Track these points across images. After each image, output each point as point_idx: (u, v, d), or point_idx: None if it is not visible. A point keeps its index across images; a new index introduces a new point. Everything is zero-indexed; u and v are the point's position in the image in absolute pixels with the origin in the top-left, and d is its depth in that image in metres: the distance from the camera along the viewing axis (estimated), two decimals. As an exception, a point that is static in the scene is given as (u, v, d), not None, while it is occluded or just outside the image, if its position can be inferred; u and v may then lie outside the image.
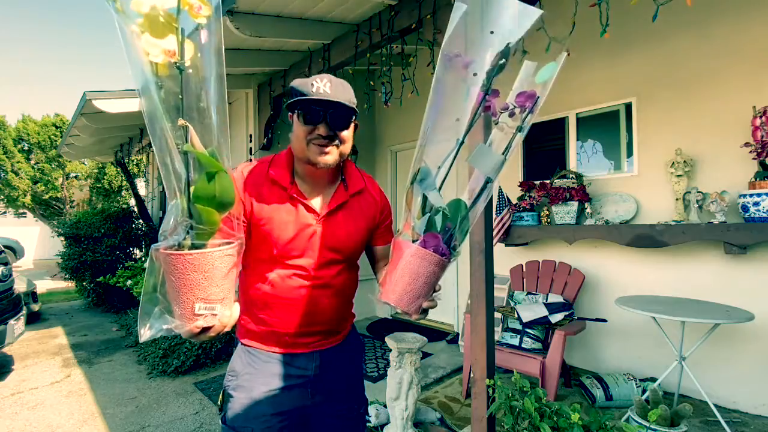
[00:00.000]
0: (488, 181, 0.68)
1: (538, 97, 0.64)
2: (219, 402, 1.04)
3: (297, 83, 0.92)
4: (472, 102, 0.66)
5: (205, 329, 0.65)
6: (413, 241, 0.72)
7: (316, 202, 0.99)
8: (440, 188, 0.71)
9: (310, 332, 1.02)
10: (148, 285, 0.63)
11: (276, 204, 0.96)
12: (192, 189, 0.61)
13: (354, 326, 1.18)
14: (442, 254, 0.70)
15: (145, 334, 0.63)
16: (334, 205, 1.00)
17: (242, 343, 1.04)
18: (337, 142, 0.93)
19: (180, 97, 0.58)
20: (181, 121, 0.59)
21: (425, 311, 0.77)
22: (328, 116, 0.90)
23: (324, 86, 0.89)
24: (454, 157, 0.70)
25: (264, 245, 0.96)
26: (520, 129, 0.65)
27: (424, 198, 0.71)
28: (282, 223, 0.95)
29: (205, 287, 0.62)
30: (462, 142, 0.69)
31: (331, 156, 0.93)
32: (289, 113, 0.96)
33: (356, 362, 1.16)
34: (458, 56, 0.65)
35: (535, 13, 0.61)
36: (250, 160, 3.92)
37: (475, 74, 0.65)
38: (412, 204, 0.74)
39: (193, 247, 0.62)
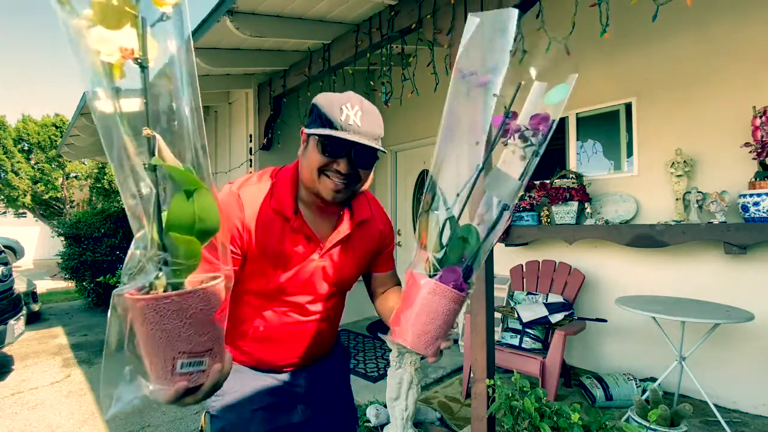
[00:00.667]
0: (505, 207, 0.63)
1: (553, 121, 0.60)
2: (200, 427, 0.95)
3: (323, 103, 0.80)
4: (492, 124, 0.62)
5: (192, 390, 0.51)
6: (430, 276, 0.66)
7: (320, 233, 0.90)
8: (459, 217, 0.65)
9: (300, 358, 0.97)
10: (110, 341, 0.49)
11: (277, 236, 0.85)
12: (164, 214, 0.48)
13: (339, 335, 1.13)
14: (460, 289, 0.65)
15: (113, 408, 0.48)
16: (339, 237, 0.92)
17: None
18: (356, 180, 0.84)
19: (144, 101, 0.47)
20: (146, 131, 0.47)
21: (441, 352, 0.69)
22: (353, 153, 0.79)
23: (355, 116, 0.78)
24: (473, 184, 0.63)
25: (259, 279, 0.87)
26: (536, 153, 0.61)
27: (442, 228, 0.65)
28: (283, 258, 0.86)
29: (187, 338, 0.49)
30: (483, 168, 0.63)
31: (343, 195, 0.84)
32: (303, 128, 0.85)
33: (343, 371, 1.12)
34: (473, 74, 0.60)
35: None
36: (250, 161, 3.94)
37: (495, 95, 0.60)
38: (427, 234, 0.67)
39: (170, 287, 0.50)
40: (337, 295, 0.98)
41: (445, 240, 0.65)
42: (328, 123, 0.78)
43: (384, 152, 0.83)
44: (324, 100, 0.81)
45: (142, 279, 0.49)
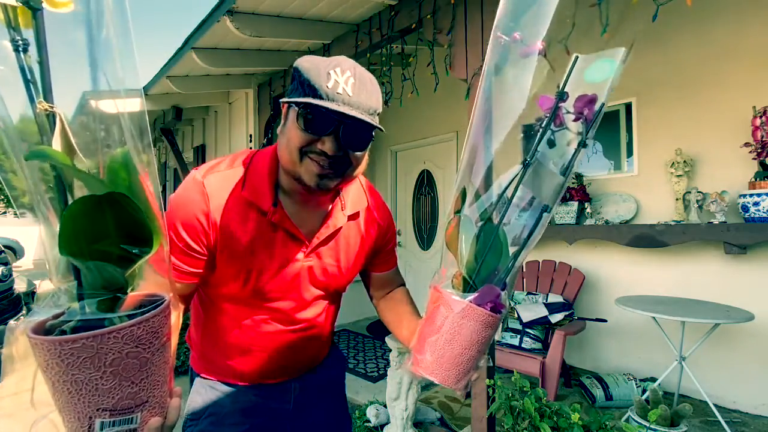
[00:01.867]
0: (545, 209, 0.51)
1: (603, 103, 0.48)
2: None
3: (307, 67, 0.62)
4: (541, 107, 0.50)
5: None
6: (463, 293, 0.54)
7: (306, 228, 0.75)
8: (499, 223, 0.53)
9: (286, 372, 0.85)
10: (8, 387, 0.40)
11: (252, 232, 0.70)
12: (66, 223, 0.35)
13: (334, 342, 1.00)
14: (497, 311, 0.54)
15: None
16: (329, 232, 0.76)
17: (201, 377, 0.83)
18: (345, 164, 0.67)
19: (38, 60, 0.34)
20: (42, 105, 0.34)
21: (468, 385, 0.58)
22: (341, 130, 0.62)
23: (346, 83, 0.60)
24: (521, 179, 0.51)
25: (233, 283, 0.73)
26: (583, 144, 0.49)
27: (478, 234, 0.53)
28: (259, 257, 0.71)
29: (108, 391, 0.37)
30: (530, 163, 0.51)
31: (329, 181, 0.66)
32: (282, 102, 0.67)
33: (337, 382, 0.98)
34: (517, 40, 0.48)
35: None
36: None
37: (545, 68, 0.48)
38: (459, 241, 0.54)
39: (85, 324, 0.37)
40: (327, 300, 0.84)
41: (477, 251, 0.54)
42: (312, 91, 0.60)
43: (381, 130, 0.65)
44: (308, 63, 0.63)
45: (51, 311, 0.38)
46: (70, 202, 0.35)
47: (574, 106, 0.49)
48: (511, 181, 0.52)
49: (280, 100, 0.67)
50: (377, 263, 0.90)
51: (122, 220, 0.36)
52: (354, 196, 0.81)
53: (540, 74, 0.48)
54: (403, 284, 0.95)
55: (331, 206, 0.77)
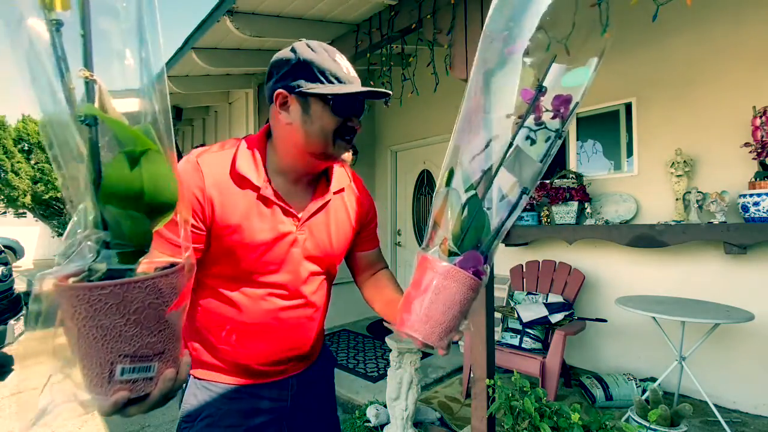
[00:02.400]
0: (524, 191, 0.58)
1: (576, 103, 0.56)
2: None
3: (315, 58, 0.71)
4: (522, 98, 0.57)
5: (136, 400, 0.42)
6: (449, 257, 0.59)
7: (296, 203, 0.80)
8: (483, 197, 0.59)
9: (285, 359, 0.84)
10: (33, 337, 0.41)
11: (245, 207, 0.74)
12: (104, 180, 0.39)
13: (326, 343, 1.02)
14: (479, 276, 0.59)
15: (37, 420, 0.40)
16: (318, 206, 0.82)
17: (194, 377, 0.81)
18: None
19: (81, 32, 0.37)
20: (83, 72, 0.37)
21: (450, 345, 0.62)
22: (361, 106, 0.75)
23: (349, 67, 0.74)
24: (501, 162, 0.58)
25: (228, 259, 0.75)
26: (559, 135, 0.57)
27: (462, 208, 0.59)
28: (254, 230, 0.75)
29: (131, 338, 0.40)
30: (512, 146, 0.58)
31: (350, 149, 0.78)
32: (290, 95, 0.73)
33: (329, 381, 1.00)
34: (503, 40, 0.55)
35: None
36: None
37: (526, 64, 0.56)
38: (443, 213, 0.60)
39: (110, 275, 0.40)
40: (321, 278, 0.86)
41: (462, 221, 0.59)
42: (336, 79, 0.71)
43: (389, 94, 0.76)
44: (314, 54, 0.71)
45: (78, 262, 0.40)
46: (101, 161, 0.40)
47: (552, 104, 0.57)
48: (497, 159, 0.58)
49: (302, 90, 0.71)
50: (361, 241, 0.95)
51: (153, 177, 0.40)
52: (337, 174, 0.89)
53: (523, 70, 0.55)
54: (387, 267, 1.00)
55: (317, 183, 0.85)
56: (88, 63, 0.38)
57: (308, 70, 0.71)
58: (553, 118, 0.57)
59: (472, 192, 0.58)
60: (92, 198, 0.39)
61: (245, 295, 0.78)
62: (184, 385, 0.81)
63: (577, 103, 0.56)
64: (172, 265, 0.45)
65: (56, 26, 0.37)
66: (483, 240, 0.59)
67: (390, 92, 0.75)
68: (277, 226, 0.77)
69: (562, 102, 0.56)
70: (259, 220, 0.75)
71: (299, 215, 0.80)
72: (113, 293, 0.39)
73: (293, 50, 0.73)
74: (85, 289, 0.38)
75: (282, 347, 0.82)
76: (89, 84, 0.38)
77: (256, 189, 0.76)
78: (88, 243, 0.40)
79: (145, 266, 0.44)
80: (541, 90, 0.56)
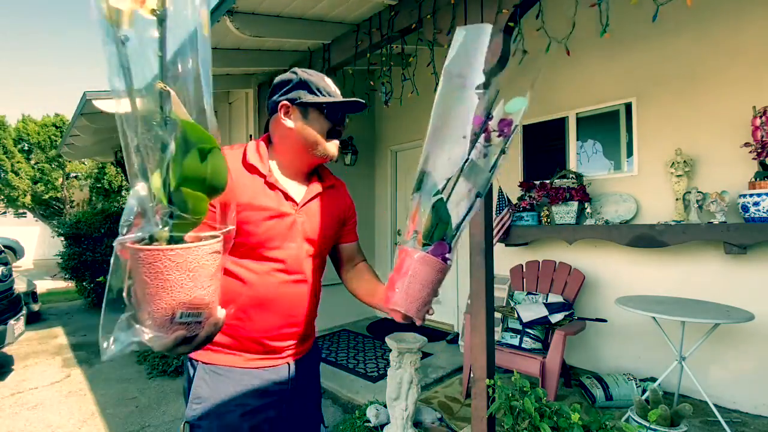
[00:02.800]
0: (478, 195, 0.75)
1: (516, 126, 0.72)
2: None
3: (312, 79, 0.94)
4: (474, 123, 0.73)
5: (187, 340, 0.54)
6: (423, 248, 0.75)
7: (294, 192, 0.97)
8: (447, 200, 0.74)
9: (287, 335, 0.95)
10: (111, 288, 0.52)
11: (254, 189, 0.90)
12: (181, 168, 0.50)
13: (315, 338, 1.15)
14: (446, 261, 0.74)
15: (110, 350, 0.50)
16: (312, 194, 0.99)
17: (203, 363, 0.91)
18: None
19: (159, 54, 0.47)
20: (159, 84, 0.47)
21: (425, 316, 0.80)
22: (345, 115, 0.98)
23: (334, 86, 0.97)
24: (459, 174, 0.74)
25: (238, 235, 0.86)
26: (503, 151, 0.74)
27: (433, 208, 0.74)
28: (260, 208, 0.89)
29: (189, 290, 0.51)
30: (467, 160, 0.73)
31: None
32: (292, 106, 0.93)
33: (317, 372, 1.12)
34: (460, 77, 0.70)
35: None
36: None
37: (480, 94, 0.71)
38: (417, 212, 0.75)
39: (172, 240, 0.52)
40: (317, 259, 1.01)
41: (431, 219, 0.75)
42: (327, 93, 0.94)
43: (367, 105, 0.98)
44: (310, 76, 0.95)
45: (141, 230, 0.50)
46: (168, 154, 0.50)
47: (498, 126, 0.73)
48: (455, 174, 0.73)
49: (302, 101, 0.93)
50: (345, 233, 1.12)
51: (214, 168, 0.53)
52: (326, 174, 1.08)
53: (475, 101, 0.71)
54: (365, 260, 1.17)
55: (311, 179, 1.03)
56: (163, 77, 0.48)
57: (306, 86, 0.93)
58: (499, 136, 0.73)
59: (439, 196, 0.73)
60: (166, 180, 0.50)
61: (251, 270, 0.90)
62: (192, 371, 0.93)
63: (516, 125, 0.72)
64: (214, 236, 0.56)
65: (123, 41, 0.45)
66: (448, 234, 0.74)
67: (367, 104, 0.98)
68: (280, 207, 0.92)
69: (506, 125, 0.72)
70: (265, 200, 0.91)
71: (297, 200, 0.96)
72: (178, 254, 0.50)
73: (294, 72, 0.94)
74: (160, 252, 0.50)
75: (284, 321, 0.94)
76: (163, 94, 0.48)
77: (263, 176, 0.92)
78: (157, 215, 0.50)
79: (192, 236, 0.55)
80: (489, 117, 0.72)
